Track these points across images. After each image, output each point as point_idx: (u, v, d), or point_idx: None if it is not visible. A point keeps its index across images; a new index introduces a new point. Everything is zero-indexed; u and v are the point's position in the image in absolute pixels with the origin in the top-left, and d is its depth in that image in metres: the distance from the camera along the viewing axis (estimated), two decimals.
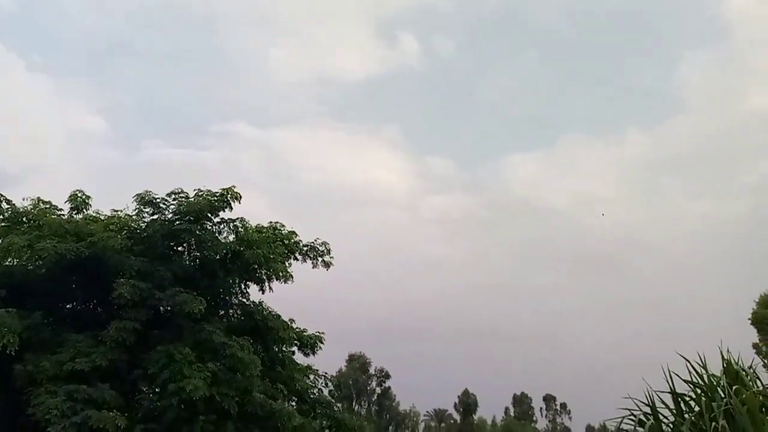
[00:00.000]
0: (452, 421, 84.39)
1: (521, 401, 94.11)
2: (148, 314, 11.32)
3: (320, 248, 13.84)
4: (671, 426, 6.28)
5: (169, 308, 11.71)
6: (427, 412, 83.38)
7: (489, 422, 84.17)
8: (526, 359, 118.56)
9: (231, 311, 13.59)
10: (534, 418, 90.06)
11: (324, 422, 13.62)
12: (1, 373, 10.32)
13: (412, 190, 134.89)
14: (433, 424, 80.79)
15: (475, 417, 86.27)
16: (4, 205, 11.85)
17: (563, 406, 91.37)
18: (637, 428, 6.23)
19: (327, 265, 13.87)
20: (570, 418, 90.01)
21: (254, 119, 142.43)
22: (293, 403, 12.44)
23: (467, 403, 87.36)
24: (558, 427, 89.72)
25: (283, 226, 13.71)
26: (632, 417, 6.30)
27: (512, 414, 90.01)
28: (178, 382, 10.23)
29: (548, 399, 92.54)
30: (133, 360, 11.03)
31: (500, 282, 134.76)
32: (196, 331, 11.45)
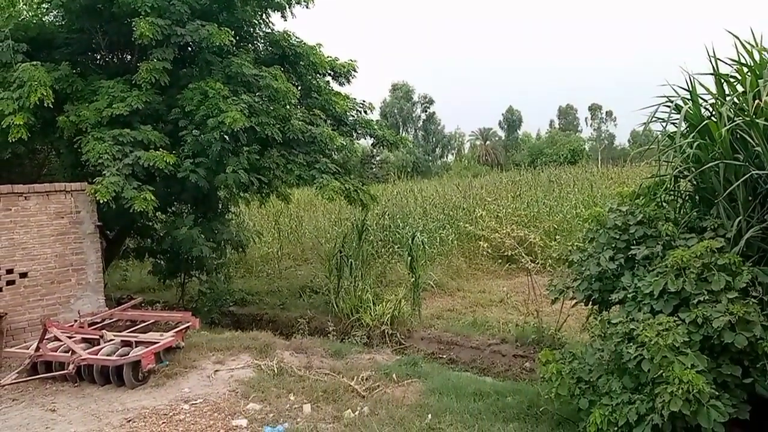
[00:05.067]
0: (497, 138, 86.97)
1: (566, 113, 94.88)
2: (175, 53, 11.09)
3: None
4: (710, 109, 6.03)
5: (194, 44, 11.41)
6: (472, 131, 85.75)
7: (534, 136, 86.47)
8: (572, 73, 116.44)
9: (257, 43, 13.20)
10: (579, 128, 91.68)
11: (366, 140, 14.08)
12: (48, 126, 10.69)
13: None
14: (478, 142, 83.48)
15: (520, 132, 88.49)
16: None
17: (609, 114, 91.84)
18: (672, 114, 6.02)
19: None
20: (615, 126, 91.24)
21: None
22: (332, 128, 12.66)
23: (512, 120, 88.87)
24: (602, 135, 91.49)
25: None
26: (668, 104, 6.04)
27: (557, 126, 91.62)
28: (216, 117, 10.43)
29: (593, 109, 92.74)
30: (168, 101, 11.18)
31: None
32: (225, 66, 11.32)
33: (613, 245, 6.17)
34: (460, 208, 18.71)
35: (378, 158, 52.27)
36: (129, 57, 12.14)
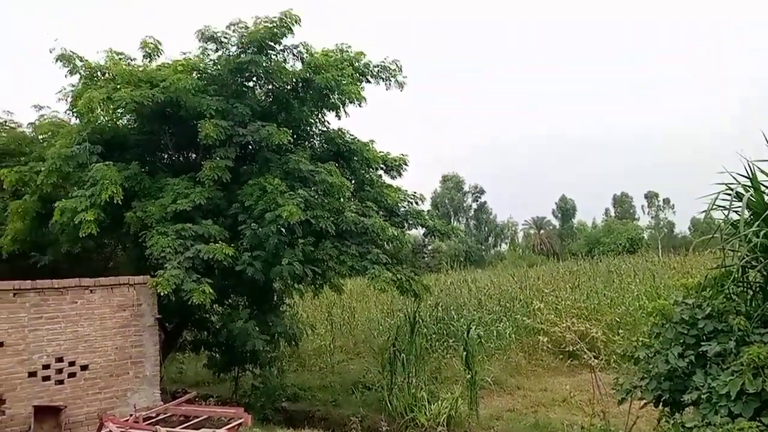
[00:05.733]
0: (551, 227, 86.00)
1: (621, 201, 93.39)
2: (236, 151, 11.73)
3: (391, 67, 13.37)
4: None
5: (255, 143, 12.00)
6: (525, 221, 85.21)
7: (590, 224, 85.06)
8: (624, 162, 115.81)
9: (313, 140, 13.78)
10: (636, 217, 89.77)
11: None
12: (116, 221, 11.25)
13: None
14: (532, 231, 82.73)
15: (574, 221, 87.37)
16: (79, 63, 12.09)
17: (666, 201, 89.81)
18: (734, 202, 5.84)
19: (401, 85, 13.47)
20: (674, 213, 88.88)
21: None
22: (384, 219, 12.83)
23: (565, 209, 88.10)
24: (661, 223, 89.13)
25: (350, 47, 13.23)
26: (728, 191, 5.88)
27: (612, 215, 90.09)
28: (273, 211, 10.77)
29: (650, 196, 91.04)
30: (229, 196, 11.66)
31: (593, 85, 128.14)
32: (283, 162, 11.82)
33: (682, 341, 5.84)
34: (517, 299, 18.26)
35: (430, 248, 52.27)
36: (194, 156, 12.85)
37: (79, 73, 12.16)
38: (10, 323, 9.16)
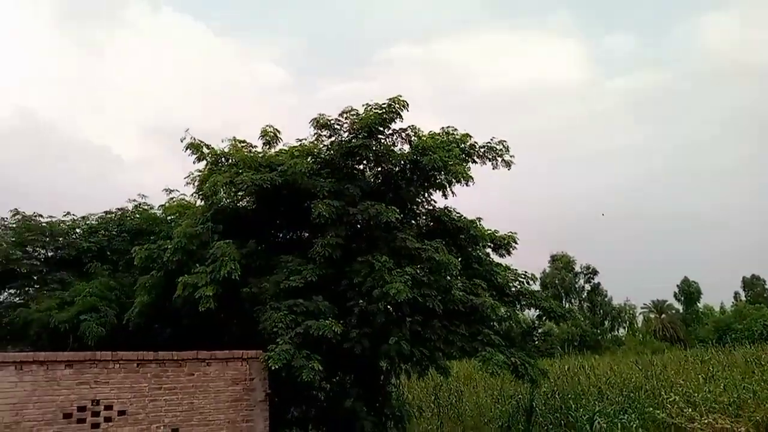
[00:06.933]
0: (673, 311, 79.60)
1: (752, 284, 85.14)
2: (346, 230, 12.02)
3: (498, 147, 13.36)
4: None
5: (364, 222, 12.25)
6: (645, 304, 79.44)
7: (717, 309, 77.84)
8: (751, 242, 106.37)
9: (420, 219, 13.86)
10: None
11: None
12: (232, 296, 11.72)
13: (590, 76, 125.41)
14: (652, 315, 76.83)
15: (700, 305, 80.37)
16: (206, 150, 13.13)
17: None
18: None
19: (508, 164, 13.39)
20: None
21: (414, 37, 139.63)
22: (494, 298, 12.42)
23: (689, 292, 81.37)
24: None
25: (456, 129, 13.43)
26: None
27: (743, 298, 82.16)
28: (381, 288, 10.78)
29: None
30: (338, 273, 11.85)
31: (708, 161, 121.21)
32: (391, 240, 11.93)
33: None
34: (642, 389, 16.74)
35: (540, 330, 49.95)
36: (306, 234, 13.29)
37: (206, 160, 13.17)
38: (133, 392, 9.61)
